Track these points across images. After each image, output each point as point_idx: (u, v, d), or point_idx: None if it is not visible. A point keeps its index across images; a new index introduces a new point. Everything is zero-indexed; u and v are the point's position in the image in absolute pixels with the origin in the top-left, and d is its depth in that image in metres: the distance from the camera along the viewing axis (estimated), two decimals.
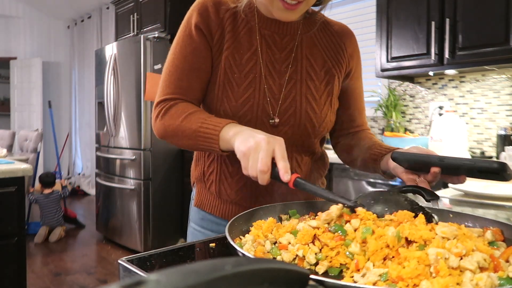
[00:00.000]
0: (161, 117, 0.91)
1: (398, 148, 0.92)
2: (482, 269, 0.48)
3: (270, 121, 0.93)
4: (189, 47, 0.92)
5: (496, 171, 0.69)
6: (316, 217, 0.67)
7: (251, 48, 0.93)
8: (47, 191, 3.95)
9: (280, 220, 0.75)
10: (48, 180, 3.98)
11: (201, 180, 1.04)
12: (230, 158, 0.97)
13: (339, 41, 1.01)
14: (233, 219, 0.67)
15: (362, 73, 1.09)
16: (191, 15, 0.93)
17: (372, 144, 1.00)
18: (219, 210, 1.02)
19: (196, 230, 1.06)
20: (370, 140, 1.02)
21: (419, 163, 0.79)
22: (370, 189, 2.49)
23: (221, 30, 0.92)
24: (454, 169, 0.77)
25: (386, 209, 0.64)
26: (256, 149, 0.71)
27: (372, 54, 3.15)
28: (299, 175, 0.71)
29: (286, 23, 0.95)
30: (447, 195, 1.21)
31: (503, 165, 0.68)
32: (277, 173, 0.69)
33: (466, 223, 0.70)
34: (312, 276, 0.41)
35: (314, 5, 0.96)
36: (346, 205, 0.65)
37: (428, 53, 2.50)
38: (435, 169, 0.77)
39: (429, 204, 0.81)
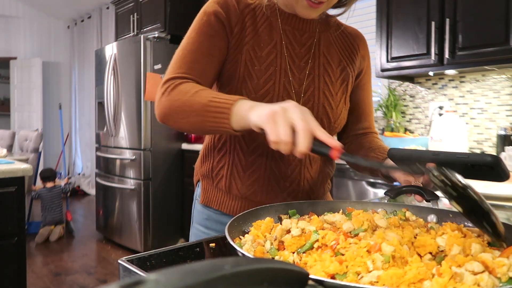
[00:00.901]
0: (168, 93, 0.85)
1: None
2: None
3: None
4: (206, 34, 0.91)
5: (490, 165, 0.67)
6: (313, 218, 0.67)
7: (271, 42, 0.94)
8: (49, 185, 3.99)
9: (280, 220, 0.75)
10: (47, 174, 4.03)
11: (209, 177, 1.03)
12: (244, 151, 0.96)
13: (352, 42, 1.07)
14: (232, 219, 0.67)
15: (371, 78, 1.12)
16: (210, 6, 0.94)
17: (377, 148, 1.00)
18: (228, 206, 1.00)
19: (200, 231, 1.05)
20: (375, 144, 1.03)
21: (415, 159, 0.79)
22: (370, 189, 2.49)
23: (241, 23, 0.93)
24: (449, 164, 0.77)
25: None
26: (284, 111, 0.62)
27: (372, 54, 3.14)
28: (343, 146, 0.63)
29: (306, 20, 0.98)
30: None
31: (497, 159, 0.66)
32: (318, 145, 0.60)
33: (465, 223, 0.70)
34: (311, 276, 0.41)
35: (333, 7, 1.01)
36: (427, 172, 0.62)
37: (428, 53, 2.50)
38: (430, 165, 0.77)
39: (429, 204, 0.81)
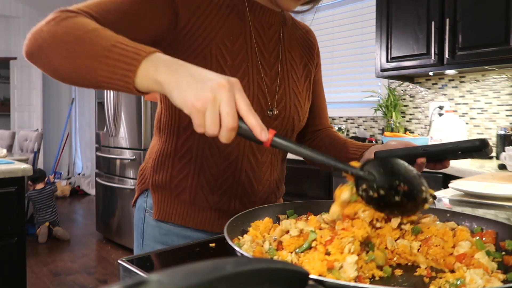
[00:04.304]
0: (56, 22, 0.63)
1: (373, 144, 0.93)
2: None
3: (269, 113, 0.87)
4: None
5: (479, 149, 0.72)
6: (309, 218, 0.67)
7: (241, 34, 0.85)
8: (39, 186, 3.95)
9: (278, 220, 0.75)
10: (36, 175, 3.94)
11: (165, 187, 0.89)
12: (215, 156, 0.85)
13: (308, 37, 1.02)
14: (231, 219, 0.66)
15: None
16: None
17: (344, 142, 0.99)
18: (194, 220, 0.89)
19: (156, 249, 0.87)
20: (340, 139, 1.01)
21: (404, 157, 0.78)
22: None
23: (206, 7, 0.81)
24: (438, 155, 0.78)
25: (396, 178, 0.59)
26: (213, 101, 0.52)
27: (372, 54, 3.15)
28: (275, 131, 0.56)
29: (272, 12, 0.89)
30: (447, 195, 1.21)
31: (484, 142, 0.71)
32: (247, 130, 0.55)
33: (463, 223, 0.70)
34: (311, 276, 0.41)
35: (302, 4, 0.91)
36: (351, 172, 0.60)
37: (428, 53, 2.50)
38: (421, 160, 0.78)
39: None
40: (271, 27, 0.90)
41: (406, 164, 0.62)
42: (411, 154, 0.79)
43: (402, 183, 0.58)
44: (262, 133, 0.54)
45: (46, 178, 4.09)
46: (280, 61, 0.91)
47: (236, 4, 0.85)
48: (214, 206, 0.89)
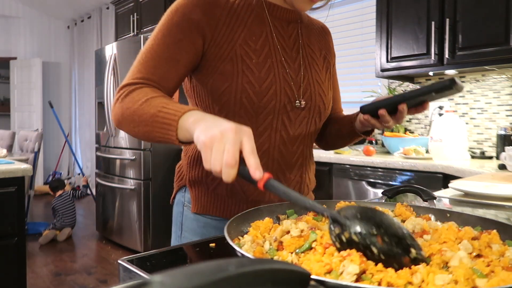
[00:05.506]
0: (121, 99, 0.82)
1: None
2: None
3: (296, 104, 0.93)
4: (174, 36, 0.86)
5: (450, 87, 0.78)
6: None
7: (262, 34, 0.92)
8: (58, 193, 4.10)
9: (278, 220, 0.75)
10: (55, 184, 4.16)
11: (202, 182, 0.95)
12: None
13: (324, 34, 1.10)
14: (231, 219, 0.66)
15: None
16: (184, 3, 0.88)
17: (345, 115, 1.11)
18: (232, 212, 0.93)
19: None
20: (342, 115, 1.13)
21: (386, 106, 0.87)
22: (370, 189, 2.49)
23: (226, 18, 0.89)
24: (416, 99, 0.86)
25: (373, 228, 0.52)
26: (221, 139, 0.60)
27: (372, 54, 3.15)
28: (271, 175, 0.59)
29: (289, 11, 0.97)
30: (447, 195, 1.21)
31: (453, 80, 0.77)
32: (246, 170, 0.59)
33: (462, 223, 0.70)
34: (313, 276, 0.41)
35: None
36: (325, 215, 0.56)
37: (428, 53, 2.51)
38: (402, 106, 0.85)
39: (427, 204, 0.81)
40: (289, 25, 0.98)
41: (394, 219, 0.55)
42: (392, 102, 0.87)
43: (378, 233, 0.51)
44: (256, 172, 0.58)
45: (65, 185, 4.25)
46: (301, 55, 0.98)
47: (254, 7, 0.94)
48: (250, 197, 0.94)
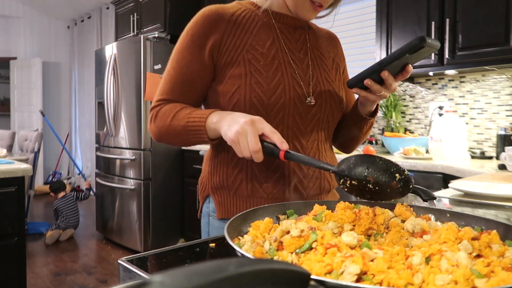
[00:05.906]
0: (154, 120, 0.98)
1: None
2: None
3: (307, 101, 0.98)
4: (186, 58, 0.96)
5: (421, 45, 0.79)
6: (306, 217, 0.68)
7: (269, 38, 0.98)
8: (60, 195, 4.10)
9: (278, 220, 0.75)
10: (57, 186, 4.18)
11: (223, 187, 1.00)
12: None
13: (332, 40, 1.15)
14: (231, 219, 0.66)
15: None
16: (192, 26, 0.97)
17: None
18: None
19: None
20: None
21: (369, 76, 0.90)
22: None
23: (231, 30, 0.96)
24: (393, 63, 0.87)
25: (365, 170, 0.73)
26: (242, 132, 0.79)
27: (372, 54, 3.15)
28: (288, 148, 0.79)
29: (296, 19, 1.02)
30: (447, 195, 1.21)
31: (422, 37, 0.79)
32: (269, 148, 0.79)
33: (462, 223, 0.70)
34: (313, 276, 0.41)
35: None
36: (331, 171, 0.76)
37: None
38: (384, 74, 0.89)
39: (427, 204, 0.81)
40: (297, 30, 1.03)
41: (384, 158, 0.75)
42: (373, 71, 0.89)
43: (368, 173, 0.73)
44: (283, 144, 0.78)
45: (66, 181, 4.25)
46: (310, 56, 1.03)
47: (261, 17, 1.00)
48: (270, 195, 0.98)
